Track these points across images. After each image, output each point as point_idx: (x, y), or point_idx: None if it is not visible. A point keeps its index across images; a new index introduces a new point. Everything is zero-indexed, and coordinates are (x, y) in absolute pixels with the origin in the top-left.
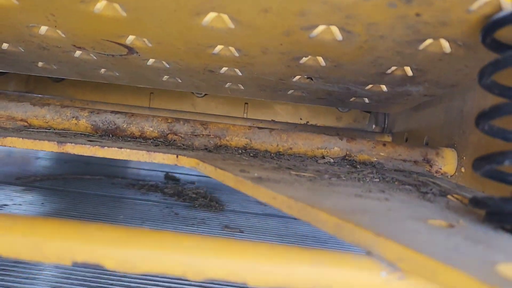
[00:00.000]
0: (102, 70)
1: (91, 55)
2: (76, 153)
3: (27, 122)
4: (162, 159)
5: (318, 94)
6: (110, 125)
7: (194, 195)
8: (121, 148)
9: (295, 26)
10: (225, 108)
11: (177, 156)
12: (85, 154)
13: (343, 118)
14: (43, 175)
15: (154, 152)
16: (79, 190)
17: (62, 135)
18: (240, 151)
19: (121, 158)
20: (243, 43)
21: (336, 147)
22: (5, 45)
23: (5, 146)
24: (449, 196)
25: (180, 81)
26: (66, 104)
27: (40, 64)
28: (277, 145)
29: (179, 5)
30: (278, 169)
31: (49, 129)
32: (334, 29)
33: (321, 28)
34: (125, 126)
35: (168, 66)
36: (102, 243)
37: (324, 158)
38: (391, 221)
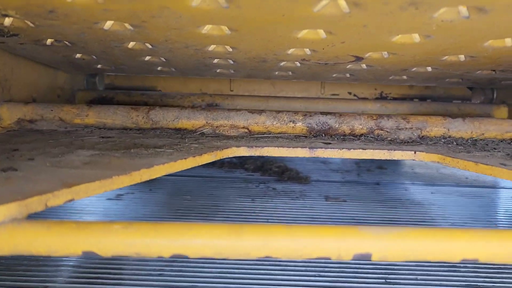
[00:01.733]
0: (218, 70)
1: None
2: (325, 156)
3: (248, 129)
4: (401, 155)
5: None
6: (324, 126)
7: (276, 169)
8: (364, 149)
9: None
10: (303, 86)
11: (414, 152)
12: (333, 157)
13: (414, 87)
14: None
15: (394, 150)
16: (174, 173)
17: (286, 138)
18: (442, 141)
19: (364, 157)
20: None
21: None
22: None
23: (262, 155)
24: None
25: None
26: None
27: (159, 68)
28: (471, 132)
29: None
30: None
31: (269, 134)
32: None
33: None
34: (336, 126)
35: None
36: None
37: None
38: None
